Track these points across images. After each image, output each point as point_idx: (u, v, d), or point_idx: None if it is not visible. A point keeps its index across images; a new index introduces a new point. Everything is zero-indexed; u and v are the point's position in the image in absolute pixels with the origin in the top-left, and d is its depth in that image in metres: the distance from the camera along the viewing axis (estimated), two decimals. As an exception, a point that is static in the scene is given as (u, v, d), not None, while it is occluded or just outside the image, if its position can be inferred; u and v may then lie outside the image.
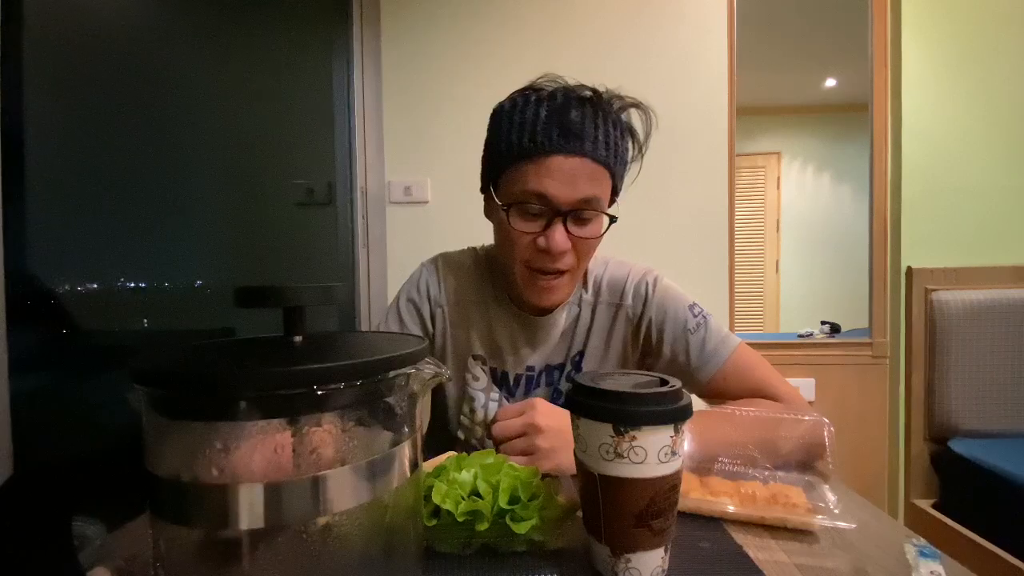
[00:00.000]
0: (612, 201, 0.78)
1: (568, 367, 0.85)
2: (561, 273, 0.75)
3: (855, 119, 2.62)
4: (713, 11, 1.81)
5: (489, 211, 0.80)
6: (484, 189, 0.80)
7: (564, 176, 0.70)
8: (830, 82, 3.69)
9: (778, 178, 4.26)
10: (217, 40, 1.55)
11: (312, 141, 1.83)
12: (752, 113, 4.02)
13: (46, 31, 1.06)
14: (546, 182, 0.70)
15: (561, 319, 0.84)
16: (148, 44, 1.33)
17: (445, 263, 0.88)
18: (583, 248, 0.75)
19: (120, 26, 1.28)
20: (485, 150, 0.78)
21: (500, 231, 0.78)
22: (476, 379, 0.84)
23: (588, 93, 0.74)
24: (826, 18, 2.75)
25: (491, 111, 0.77)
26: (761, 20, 2.55)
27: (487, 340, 0.85)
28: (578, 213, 0.72)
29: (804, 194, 4.24)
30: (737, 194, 1.84)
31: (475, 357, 0.85)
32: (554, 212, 0.71)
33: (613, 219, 0.75)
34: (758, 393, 0.77)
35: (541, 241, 0.72)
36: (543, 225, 0.72)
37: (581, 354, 0.84)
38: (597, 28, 1.83)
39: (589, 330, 0.84)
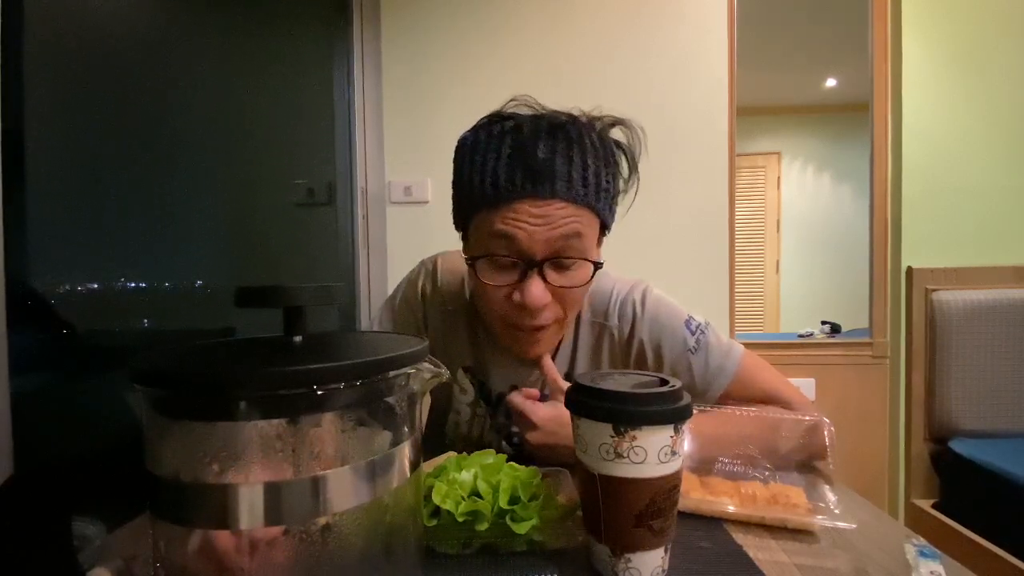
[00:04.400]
0: (602, 237, 0.71)
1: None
2: (545, 327, 0.68)
3: (855, 119, 2.62)
4: (713, 11, 1.80)
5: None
6: (458, 228, 0.73)
7: (535, 220, 0.61)
8: (830, 82, 3.69)
9: (778, 178, 4.26)
10: (217, 40, 1.55)
11: (312, 141, 1.83)
12: (752, 113, 4.02)
13: (47, 31, 1.06)
14: (513, 227, 0.62)
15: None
16: (148, 44, 1.33)
17: (444, 265, 0.84)
18: (567, 298, 0.67)
19: (121, 27, 1.28)
20: (453, 188, 0.70)
21: (474, 283, 0.70)
22: (463, 391, 0.82)
23: (561, 119, 0.65)
24: (826, 18, 2.75)
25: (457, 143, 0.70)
26: (761, 20, 2.55)
27: (475, 352, 0.81)
28: (556, 261, 0.64)
29: (804, 194, 4.23)
30: (737, 194, 1.84)
31: (465, 369, 0.81)
32: (528, 263, 0.63)
33: (598, 266, 0.67)
34: (767, 402, 0.74)
35: (516, 296, 0.64)
36: (517, 277, 0.64)
37: (568, 377, 0.79)
38: (597, 28, 1.83)
39: (575, 351, 0.79)
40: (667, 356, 0.75)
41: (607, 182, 0.67)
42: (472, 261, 0.66)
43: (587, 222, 0.65)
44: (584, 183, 0.63)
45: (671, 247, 1.81)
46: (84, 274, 1.17)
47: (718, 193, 1.82)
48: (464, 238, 0.72)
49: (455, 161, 0.69)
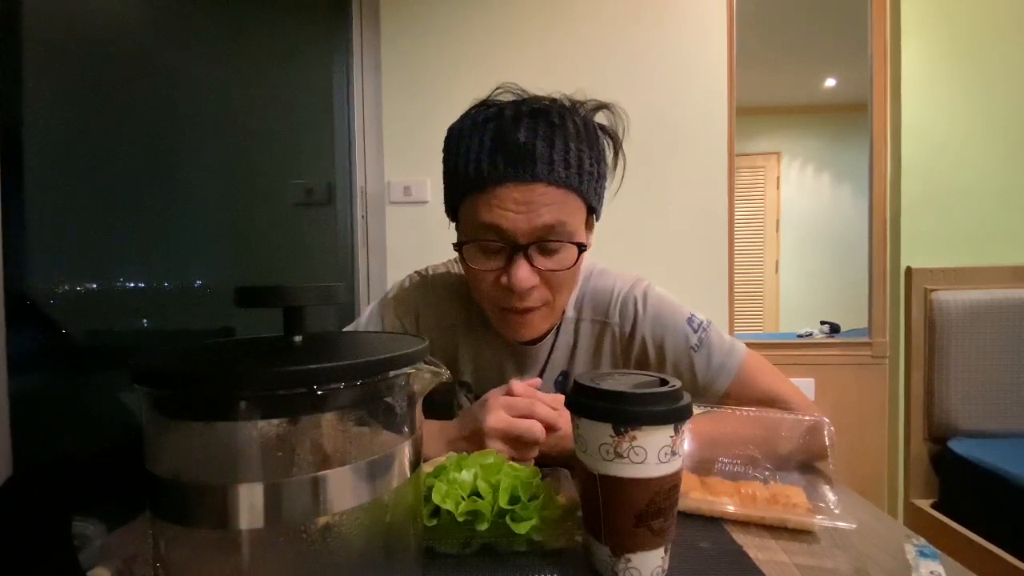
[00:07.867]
0: (591, 222, 0.71)
1: (552, 390, 0.79)
2: (534, 309, 0.68)
3: (855, 119, 2.63)
4: (713, 11, 1.81)
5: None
6: (450, 217, 0.74)
7: (518, 206, 0.62)
8: (830, 82, 3.70)
9: (778, 178, 4.26)
10: (217, 40, 1.55)
11: (312, 141, 1.83)
12: (752, 113, 4.02)
13: (46, 31, 1.06)
14: (497, 214, 0.62)
15: (549, 344, 0.79)
16: (148, 45, 1.33)
17: (433, 282, 0.83)
18: (555, 281, 0.67)
19: (120, 27, 1.28)
20: (443, 178, 0.72)
21: (464, 268, 0.71)
22: (461, 407, 0.81)
23: (542, 104, 0.66)
24: (826, 18, 2.75)
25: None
26: (761, 20, 2.56)
27: (474, 366, 0.80)
28: (542, 244, 0.64)
29: (804, 194, 4.24)
30: (737, 194, 1.84)
31: (461, 384, 0.81)
32: (513, 247, 0.64)
33: (583, 248, 0.67)
34: (768, 403, 0.72)
35: (504, 279, 0.65)
36: (504, 261, 0.65)
37: (565, 374, 0.79)
38: (597, 28, 1.83)
39: (574, 350, 0.79)
40: (669, 354, 0.75)
41: (591, 165, 0.66)
42: (460, 247, 0.67)
43: (572, 206, 0.65)
44: (566, 165, 0.63)
45: (670, 247, 1.81)
46: (84, 274, 1.16)
47: (718, 193, 1.82)
48: (455, 223, 0.73)
49: (444, 151, 0.71)
